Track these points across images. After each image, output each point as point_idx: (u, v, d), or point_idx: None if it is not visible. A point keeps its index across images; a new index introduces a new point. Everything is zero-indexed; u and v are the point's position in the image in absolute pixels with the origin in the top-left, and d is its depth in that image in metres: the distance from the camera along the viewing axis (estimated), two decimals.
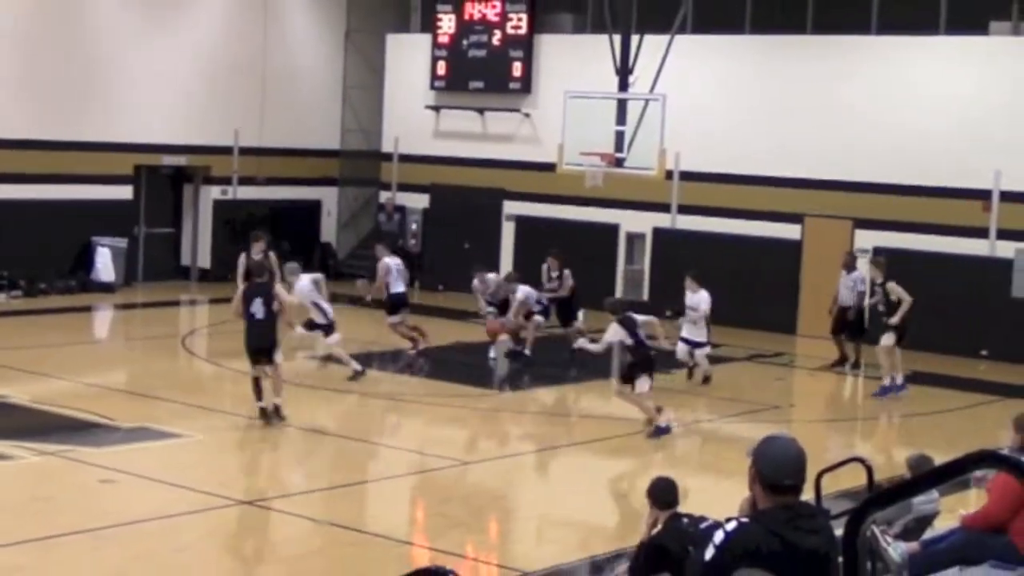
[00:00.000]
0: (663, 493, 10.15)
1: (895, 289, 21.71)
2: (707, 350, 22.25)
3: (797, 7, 28.89)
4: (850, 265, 24.31)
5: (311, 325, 21.42)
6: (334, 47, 34.59)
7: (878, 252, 24.08)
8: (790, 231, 28.09)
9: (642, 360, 18.55)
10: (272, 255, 23.06)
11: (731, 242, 28.36)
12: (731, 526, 5.54)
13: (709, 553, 5.49)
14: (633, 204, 29.38)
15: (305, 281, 21.10)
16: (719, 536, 5.50)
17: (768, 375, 23.97)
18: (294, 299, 19.64)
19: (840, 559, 5.54)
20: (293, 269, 21.39)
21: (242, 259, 22.81)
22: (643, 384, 18.40)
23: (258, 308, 17.74)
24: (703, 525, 9.00)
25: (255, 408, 17.83)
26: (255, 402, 17.81)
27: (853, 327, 24.12)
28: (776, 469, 5.59)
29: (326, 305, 21.39)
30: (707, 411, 20.52)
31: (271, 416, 17.70)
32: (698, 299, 22.03)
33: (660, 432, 18.34)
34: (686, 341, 22.04)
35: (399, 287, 23.30)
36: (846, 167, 27.26)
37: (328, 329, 21.36)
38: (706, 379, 22.11)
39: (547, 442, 18.09)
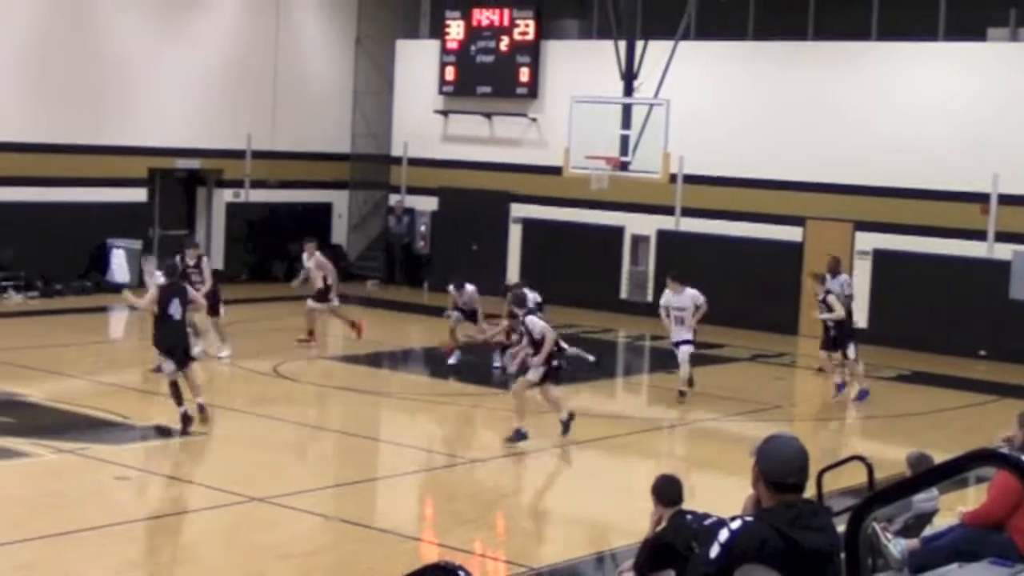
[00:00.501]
0: (667, 491, 10.11)
1: (833, 300, 21.30)
2: (690, 349, 20.82)
3: (798, 14, 28.86)
4: (835, 269, 24.06)
5: None
6: (345, 53, 34.59)
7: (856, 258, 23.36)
8: (792, 233, 28.05)
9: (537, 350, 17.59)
10: (205, 259, 23.10)
11: (734, 244, 28.35)
12: (736, 524, 5.53)
13: (714, 551, 5.48)
14: (638, 207, 29.37)
15: (160, 276, 20.90)
16: (724, 534, 5.48)
17: (770, 375, 23.94)
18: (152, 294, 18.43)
19: (842, 556, 5.52)
20: (149, 262, 21.43)
21: (176, 263, 22.42)
22: (537, 373, 17.59)
23: (176, 309, 17.35)
24: (707, 522, 8.98)
25: (178, 414, 17.07)
26: (181, 407, 17.03)
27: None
28: (779, 468, 5.57)
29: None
30: (710, 410, 20.48)
31: (191, 420, 17.06)
32: (684, 299, 20.80)
33: (520, 436, 17.40)
34: (684, 343, 20.84)
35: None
36: (847, 171, 27.22)
37: None
38: (689, 382, 20.86)
39: (553, 440, 18.06)
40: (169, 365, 17.29)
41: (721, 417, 20.20)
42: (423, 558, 12.67)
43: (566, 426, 17.69)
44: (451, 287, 23.69)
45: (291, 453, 17.10)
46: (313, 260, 24.00)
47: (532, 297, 22.25)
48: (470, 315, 23.24)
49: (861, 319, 27.33)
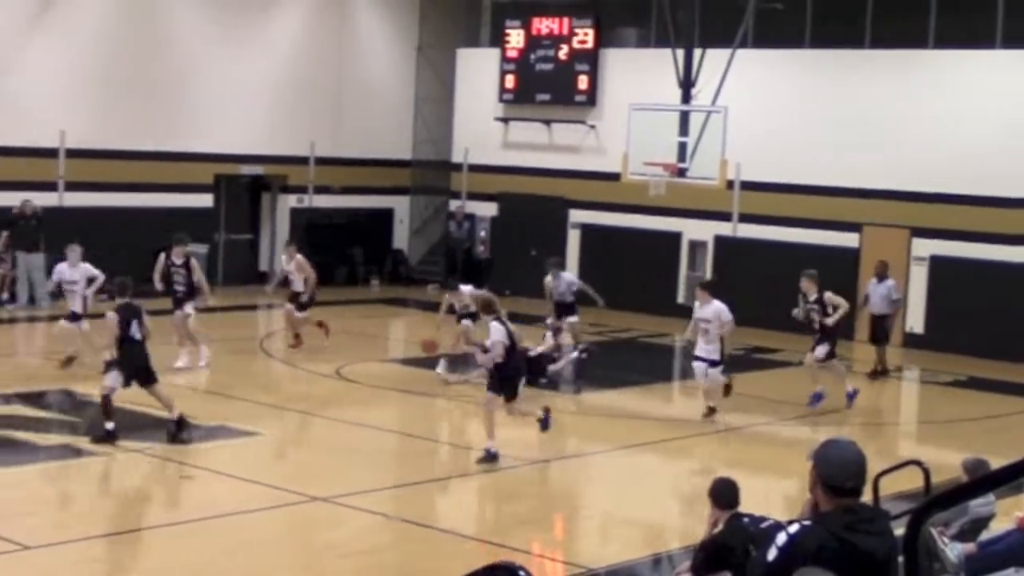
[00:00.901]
0: (724, 493, 10.06)
1: (833, 298, 20.84)
2: (705, 367, 19.37)
3: (855, 22, 28.68)
4: (882, 273, 23.84)
5: (73, 317, 21.00)
6: (406, 61, 34.69)
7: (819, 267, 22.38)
8: (848, 239, 27.88)
9: (518, 364, 16.88)
10: (193, 261, 21.98)
11: (791, 250, 28.17)
12: (794, 528, 5.48)
13: (771, 554, 5.43)
14: (695, 213, 29.28)
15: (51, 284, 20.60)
16: (782, 538, 5.44)
17: (825, 380, 23.74)
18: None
19: (900, 560, 5.46)
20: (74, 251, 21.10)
21: (160, 261, 21.87)
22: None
23: (136, 330, 16.64)
24: (763, 525, 8.92)
25: (105, 427, 16.35)
26: (109, 422, 16.33)
27: (885, 335, 23.74)
28: (838, 472, 5.52)
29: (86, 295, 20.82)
30: (766, 414, 20.36)
31: (114, 438, 16.23)
32: (710, 311, 19.31)
33: (491, 457, 16.34)
34: (699, 359, 19.42)
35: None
36: (903, 177, 27.04)
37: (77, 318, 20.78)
38: (711, 410, 19.54)
39: (611, 443, 18.01)
40: (116, 380, 16.47)
41: (776, 421, 20.08)
42: (483, 558, 12.65)
43: (544, 422, 16.96)
44: (446, 295, 22.34)
45: (353, 454, 17.12)
46: (294, 263, 23.59)
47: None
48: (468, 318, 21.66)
49: (917, 325, 27.17)
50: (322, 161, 32.77)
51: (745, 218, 29.27)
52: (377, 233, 34.22)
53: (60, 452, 16.22)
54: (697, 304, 19.74)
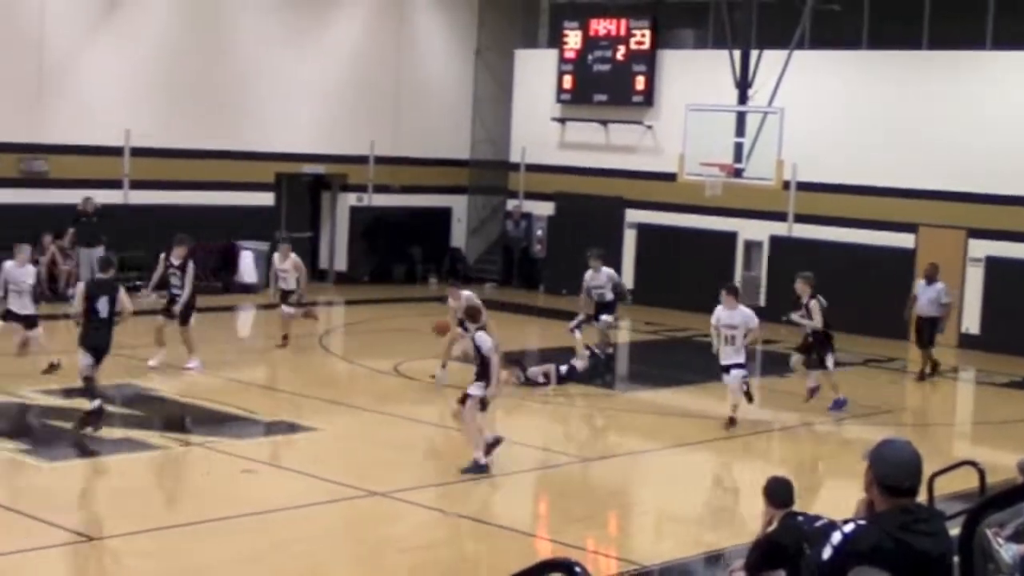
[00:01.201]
0: (779, 492, 9.99)
1: (814, 308, 19.79)
2: (742, 373, 18.59)
3: (913, 23, 28.44)
4: (932, 276, 23.42)
5: (7, 316, 19.26)
6: (465, 63, 34.72)
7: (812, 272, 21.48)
8: (904, 240, 27.66)
9: (483, 369, 15.74)
10: (190, 266, 20.82)
11: (846, 250, 28.01)
12: (849, 528, 5.43)
13: (827, 553, 5.38)
14: (751, 213, 29.14)
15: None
16: (837, 537, 5.39)
17: (882, 380, 23.60)
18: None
19: (955, 560, 5.40)
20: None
21: (160, 264, 21.09)
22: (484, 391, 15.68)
23: (103, 306, 16.34)
24: (818, 524, 8.85)
25: (87, 409, 16.37)
26: (94, 400, 16.36)
27: (932, 338, 23.31)
28: (894, 472, 5.46)
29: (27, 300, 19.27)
30: (821, 414, 20.22)
31: (99, 418, 16.25)
32: (736, 317, 18.40)
33: (479, 469, 15.45)
34: (730, 367, 18.50)
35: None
36: (960, 178, 26.80)
37: (32, 321, 19.22)
38: (731, 421, 18.56)
39: (665, 441, 17.94)
40: (86, 359, 16.36)
41: (831, 421, 19.93)
42: (538, 554, 12.63)
43: (489, 449, 15.66)
44: (450, 299, 20.53)
45: (410, 450, 17.15)
46: (289, 261, 23.05)
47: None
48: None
49: (973, 325, 26.93)
50: (382, 160, 32.87)
51: (801, 218, 29.10)
52: (435, 232, 34.28)
53: (123, 445, 16.33)
54: (720, 309, 18.57)
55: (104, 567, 11.91)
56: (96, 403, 16.36)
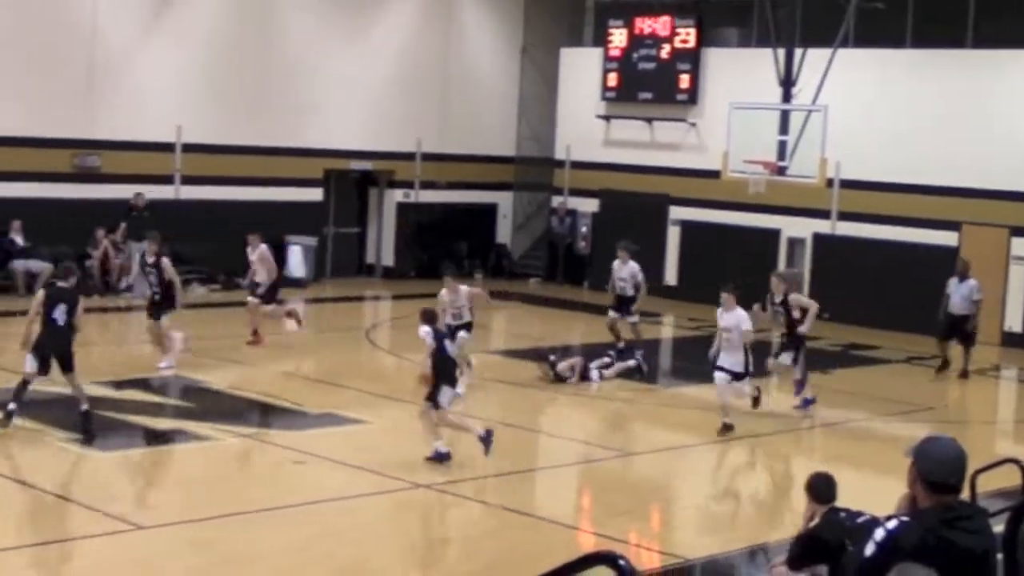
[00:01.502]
0: (821, 488, 9.96)
1: (799, 300, 19.40)
2: (728, 378, 17.86)
3: (957, 22, 28.25)
4: (964, 273, 23.14)
5: None
6: (511, 60, 34.75)
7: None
8: (947, 238, 27.48)
9: (443, 369, 15.57)
10: (164, 261, 19.80)
11: (889, 248, 27.88)
12: (892, 524, 5.41)
13: (870, 549, 5.37)
14: (794, 210, 29.03)
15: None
16: (880, 533, 5.37)
17: (924, 377, 23.47)
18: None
19: (1000, 557, 5.38)
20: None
21: (137, 260, 20.42)
22: (445, 396, 15.44)
23: (60, 314, 15.67)
24: (860, 520, 8.82)
25: (6, 409, 15.62)
26: (12, 403, 15.59)
27: (968, 335, 23.02)
28: (938, 468, 5.44)
29: None
30: (863, 410, 20.15)
31: (9, 417, 15.54)
32: (732, 320, 17.80)
33: (440, 457, 15.27)
34: (722, 369, 17.94)
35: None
36: (1003, 176, 26.61)
37: None
38: (725, 427, 17.75)
39: (708, 436, 17.92)
40: (31, 365, 15.71)
41: (874, 417, 19.86)
42: (582, 547, 12.66)
43: (439, 458, 15.37)
44: (443, 291, 19.63)
45: (455, 443, 17.20)
46: (257, 253, 22.29)
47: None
48: (460, 326, 19.40)
49: (1016, 323, 26.74)
50: (428, 157, 32.94)
51: (844, 216, 28.96)
52: (481, 227, 34.35)
53: (174, 436, 16.47)
54: (720, 311, 18.02)
55: (155, 556, 12.01)
56: (11, 406, 15.55)
